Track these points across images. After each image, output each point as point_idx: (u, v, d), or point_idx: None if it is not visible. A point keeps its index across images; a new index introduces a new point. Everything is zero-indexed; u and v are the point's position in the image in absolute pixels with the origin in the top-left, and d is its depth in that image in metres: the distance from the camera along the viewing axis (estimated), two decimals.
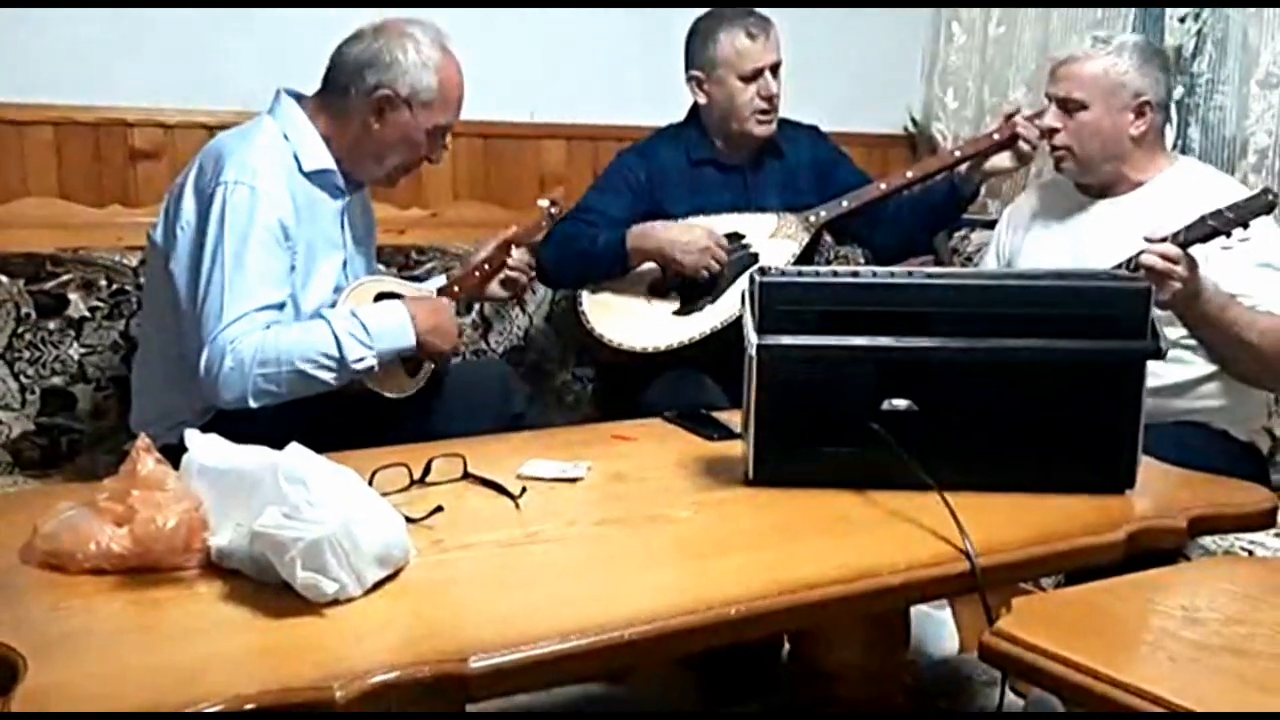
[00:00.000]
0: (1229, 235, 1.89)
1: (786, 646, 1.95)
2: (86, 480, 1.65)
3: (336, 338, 1.85)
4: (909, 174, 2.54)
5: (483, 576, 1.29)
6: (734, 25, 2.44)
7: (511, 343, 2.79)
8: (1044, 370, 1.53)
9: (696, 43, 2.49)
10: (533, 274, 2.23)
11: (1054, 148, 2.25)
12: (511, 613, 1.18)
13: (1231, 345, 2.03)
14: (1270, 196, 1.90)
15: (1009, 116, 2.43)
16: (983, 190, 2.62)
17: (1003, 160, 2.43)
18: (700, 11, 2.52)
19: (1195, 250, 1.92)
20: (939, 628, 2.31)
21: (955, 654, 2.29)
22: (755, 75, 2.44)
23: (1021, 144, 2.38)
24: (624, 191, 2.50)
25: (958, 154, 2.53)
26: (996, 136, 2.43)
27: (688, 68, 2.51)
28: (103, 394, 2.29)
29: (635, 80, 2.98)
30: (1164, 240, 1.89)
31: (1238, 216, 1.89)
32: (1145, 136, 2.21)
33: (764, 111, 2.47)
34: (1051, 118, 2.23)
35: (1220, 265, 2.00)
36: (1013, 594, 1.37)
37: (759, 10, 2.48)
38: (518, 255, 2.16)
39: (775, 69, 2.46)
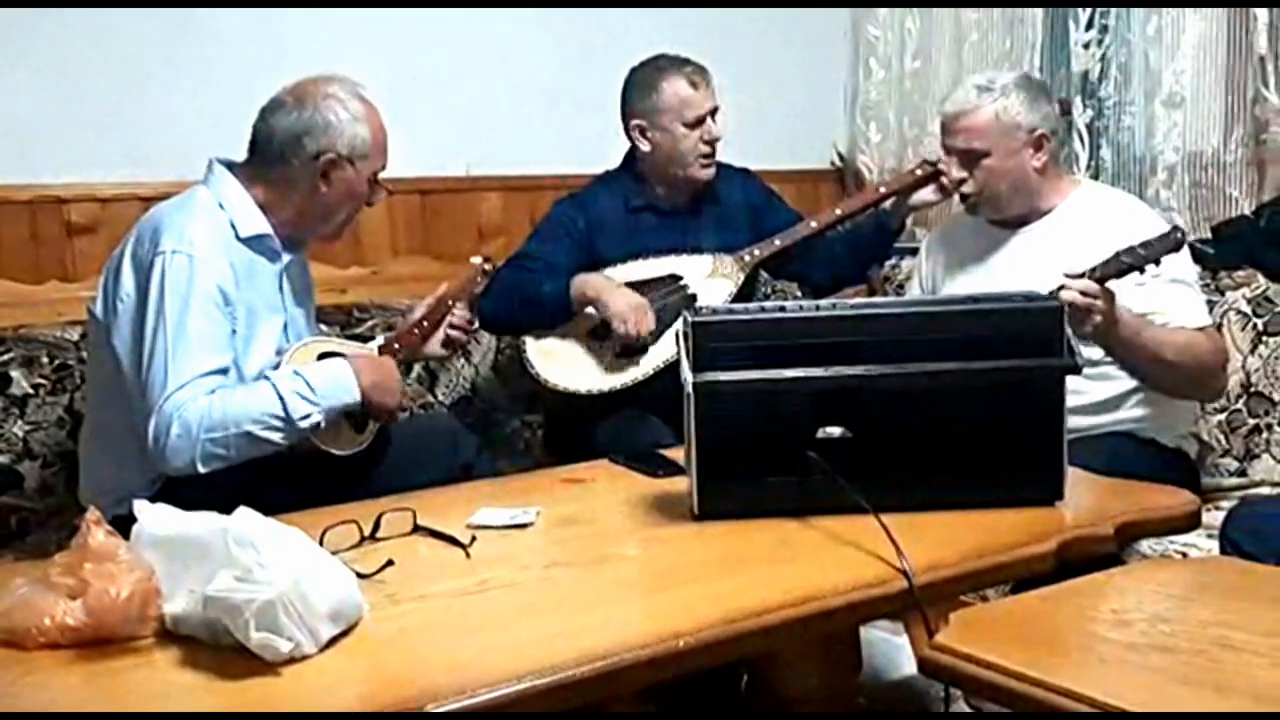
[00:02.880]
0: (1141, 271, 1.98)
1: (745, 676, 1.98)
2: (38, 557, 1.65)
3: (281, 397, 1.86)
4: (838, 211, 2.62)
5: (436, 626, 1.31)
6: (675, 74, 2.51)
7: (458, 394, 2.81)
8: (968, 391, 1.59)
9: (637, 92, 2.55)
10: (474, 330, 2.25)
11: (964, 196, 2.32)
12: (466, 659, 1.21)
13: (1149, 365, 2.11)
14: (1178, 235, 2.00)
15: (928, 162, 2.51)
16: (909, 222, 2.70)
17: (926, 194, 2.51)
18: (635, 60, 2.59)
19: (1120, 283, 2.00)
20: (897, 652, 2.35)
21: (912, 675, 2.33)
22: (699, 121, 2.51)
23: (943, 179, 2.46)
24: (563, 239, 2.55)
25: (883, 190, 2.61)
26: (919, 173, 2.51)
27: (630, 116, 2.56)
28: (50, 470, 2.29)
29: (568, 130, 3.03)
30: (1082, 276, 1.97)
31: (1149, 255, 1.97)
32: (1047, 166, 2.29)
33: (707, 156, 2.54)
34: (956, 170, 2.30)
35: (1135, 283, 2.07)
36: (957, 608, 1.42)
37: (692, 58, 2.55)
38: (459, 313, 2.18)
39: (714, 114, 2.54)
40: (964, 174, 2.29)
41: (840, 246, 2.67)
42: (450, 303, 2.19)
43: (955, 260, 2.45)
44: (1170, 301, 2.14)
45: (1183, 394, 2.24)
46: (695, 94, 2.51)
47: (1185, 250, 2.22)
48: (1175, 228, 2.04)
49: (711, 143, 2.54)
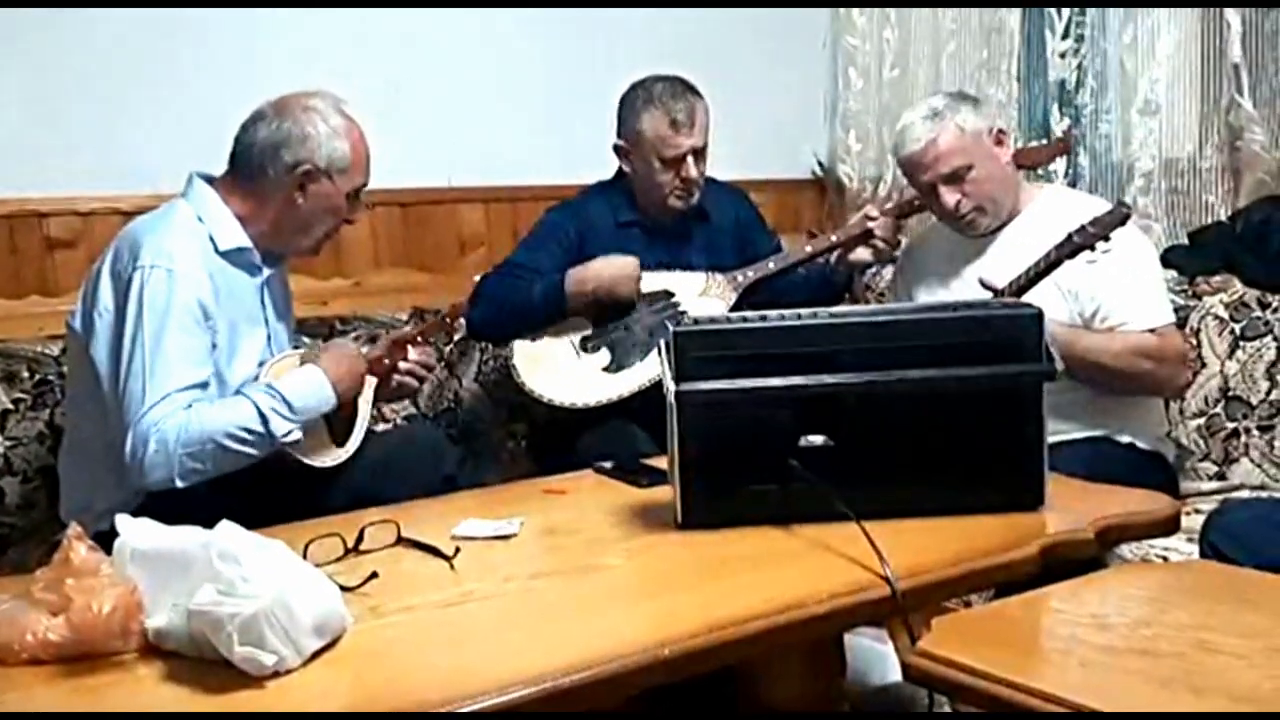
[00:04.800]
0: (1093, 249, 2.03)
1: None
2: (19, 574, 1.64)
3: (260, 411, 1.86)
4: (832, 238, 2.62)
5: (420, 638, 1.31)
6: (660, 109, 2.47)
7: (443, 405, 2.81)
8: (949, 398, 1.60)
9: (624, 113, 2.53)
10: (430, 374, 2.25)
11: (963, 215, 2.31)
12: (450, 671, 1.21)
13: (1093, 371, 2.14)
14: (1125, 209, 2.08)
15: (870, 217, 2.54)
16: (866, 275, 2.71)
17: (861, 254, 2.53)
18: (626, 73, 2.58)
19: (1075, 266, 2.06)
20: (882, 659, 2.36)
21: (897, 681, 2.33)
22: (676, 161, 2.48)
23: (875, 241, 2.49)
24: (554, 247, 2.54)
25: (868, 224, 2.58)
26: (835, 238, 2.57)
27: (617, 135, 2.55)
28: (30, 486, 2.28)
29: (550, 141, 3.04)
30: (1001, 291, 2.01)
31: (1098, 230, 2.04)
32: (1012, 160, 2.35)
33: (681, 193, 2.53)
34: (948, 195, 2.29)
35: (1100, 281, 2.15)
36: (940, 613, 1.43)
37: (684, 78, 2.53)
38: (414, 355, 2.16)
39: (699, 152, 2.51)
40: (958, 195, 2.29)
41: (801, 286, 2.65)
42: (452, 319, 2.19)
43: (930, 269, 2.47)
44: (1124, 302, 2.19)
45: (1140, 394, 2.27)
46: (673, 134, 2.46)
47: (1149, 245, 2.28)
48: (1121, 202, 2.09)
49: (686, 180, 2.51)
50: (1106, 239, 2.03)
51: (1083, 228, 2.05)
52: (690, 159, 2.49)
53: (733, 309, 2.53)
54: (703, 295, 2.54)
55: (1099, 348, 2.14)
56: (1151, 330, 2.19)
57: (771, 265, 2.59)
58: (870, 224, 2.51)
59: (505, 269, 2.53)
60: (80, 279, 2.07)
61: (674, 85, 2.51)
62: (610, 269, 2.47)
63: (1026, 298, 2.09)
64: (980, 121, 2.29)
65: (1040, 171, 2.92)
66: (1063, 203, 2.33)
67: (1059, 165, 2.95)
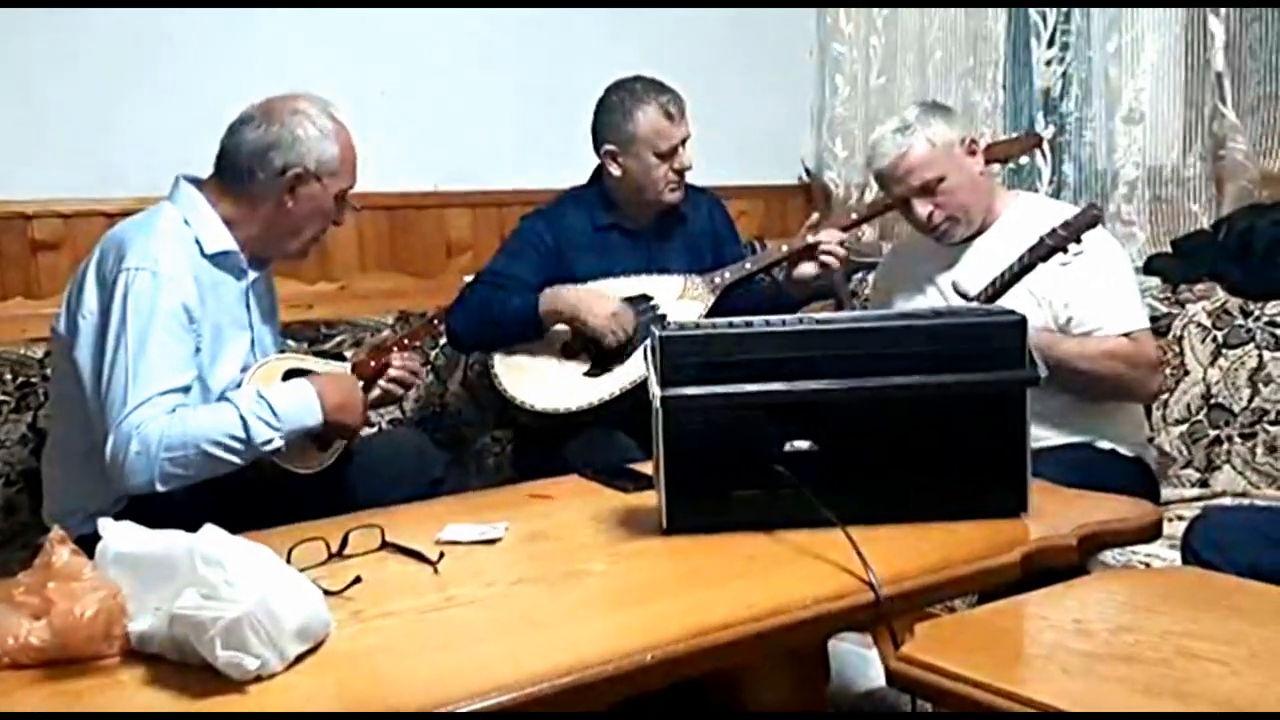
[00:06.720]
0: (1066, 250, 2.06)
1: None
2: (2, 577, 1.63)
3: (243, 419, 1.85)
4: (809, 239, 2.62)
5: (403, 643, 1.31)
6: (651, 104, 2.50)
7: (429, 410, 2.81)
8: (932, 404, 1.61)
9: (613, 119, 2.53)
10: (417, 379, 2.25)
11: (936, 226, 2.33)
12: (432, 676, 1.21)
13: (1066, 377, 2.14)
14: (1095, 211, 2.11)
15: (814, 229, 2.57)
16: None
17: (806, 269, 2.54)
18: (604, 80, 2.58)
19: (1049, 272, 2.09)
20: (865, 664, 2.36)
21: (881, 687, 2.34)
22: (671, 152, 2.51)
23: (820, 255, 2.51)
24: (532, 256, 2.55)
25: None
26: (785, 248, 2.58)
27: (602, 141, 2.55)
28: (13, 489, 2.26)
29: (536, 145, 3.04)
30: (977, 297, 2.03)
31: (1070, 232, 2.07)
32: (987, 169, 2.37)
33: (675, 183, 2.55)
34: (921, 207, 2.32)
35: (1074, 287, 2.17)
36: (924, 619, 1.43)
37: (663, 81, 2.54)
38: (405, 360, 2.15)
39: (685, 142, 2.54)
40: (930, 207, 2.32)
41: (764, 297, 2.67)
42: (399, 346, 2.17)
43: (908, 275, 2.48)
44: (1097, 308, 2.20)
45: (1114, 399, 2.29)
46: (669, 125, 2.50)
47: (1121, 250, 2.30)
48: (1092, 204, 2.12)
49: (681, 171, 2.54)
50: (1078, 240, 2.05)
51: (1054, 230, 2.07)
52: (682, 148, 2.53)
53: (711, 310, 2.54)
54: (681, 298, 2.55)
55: (1072, 353, 2.15)
56: (1125, 335, 2.20)
57: (749, 266, 2.60)
58: (809, 238, 2.53)
59: (485, 277, 2.53)
60: (64, 282, 2.06)
61: (651, 81, 2.54)
62: (583, 296, 2.46)
63: (1001, 302, 2.11)
64: (952, 132, 2.31)
65: (1018, 169, 2.93)
66: (1038, 210, 2.35)
67: (1044, 171, 2.97)
